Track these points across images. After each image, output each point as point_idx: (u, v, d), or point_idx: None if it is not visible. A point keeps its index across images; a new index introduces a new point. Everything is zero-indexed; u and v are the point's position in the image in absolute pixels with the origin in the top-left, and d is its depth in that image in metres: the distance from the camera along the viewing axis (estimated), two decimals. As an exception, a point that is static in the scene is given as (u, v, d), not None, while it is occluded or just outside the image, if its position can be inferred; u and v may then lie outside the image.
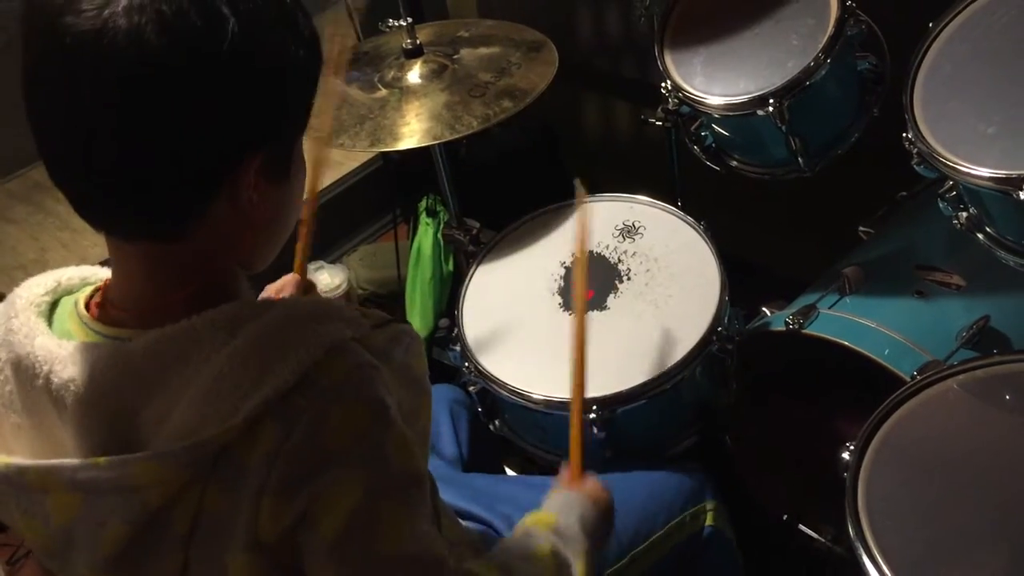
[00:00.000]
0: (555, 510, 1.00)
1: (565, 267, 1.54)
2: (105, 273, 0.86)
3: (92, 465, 0.71)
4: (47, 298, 0.82)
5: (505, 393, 1.38)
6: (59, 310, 0.82)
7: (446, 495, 1.08)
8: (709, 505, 1.31)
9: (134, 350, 0.73)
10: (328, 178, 2.70)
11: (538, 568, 0.89)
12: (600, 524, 1.03)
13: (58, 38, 0.65)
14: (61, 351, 0.75)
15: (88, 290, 0.83)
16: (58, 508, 0.73)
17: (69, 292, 0.84)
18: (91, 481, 0.72)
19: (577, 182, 1.30)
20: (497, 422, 1.50)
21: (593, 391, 1.33)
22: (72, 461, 0.72)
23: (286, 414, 0.71)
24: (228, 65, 0.68)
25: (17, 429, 0.79)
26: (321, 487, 0.71)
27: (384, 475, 0.75)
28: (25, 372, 0.76)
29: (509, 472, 1.64)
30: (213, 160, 0.71)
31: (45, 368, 0.74)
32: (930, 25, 1.30)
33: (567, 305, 1.48)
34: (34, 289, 0.82)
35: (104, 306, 0.79)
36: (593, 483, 1.08)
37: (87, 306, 0.80)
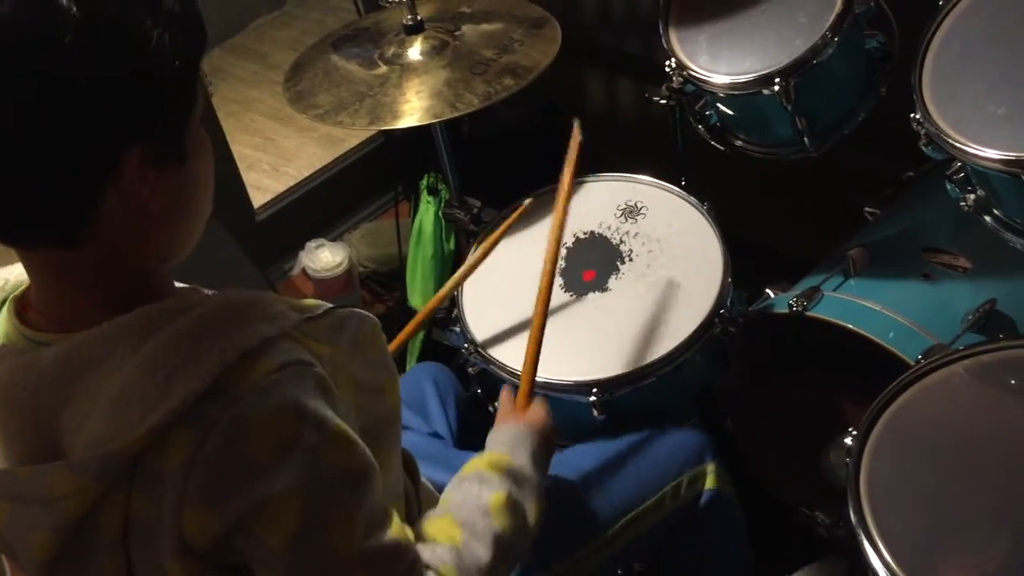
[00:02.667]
0: (507, 451, 1.00)
1: (567, 248, 1.52)
2: None
3: (13, 475, 0.72)
4: None
5: (505, 375, 1.37)
6: (4, 309, 0.81)
7: (438, 474, 1.07)
8: (709, 467, 1.30)
9: (45, 357, 0.72)
10: (328, 155, 2.69)
11: (492, 520, 0.89)
12: (548, 454, 1.06)
13: None
14: None
15: (23, 289, 0.82)
16: None
17: (18, 288, 0.82)
18: (13, 491, 0.72)
19: (576, 123, 1.31)
20: (496, 403, 1.49)
21: (593, 373, 1.33)
22: None
23: (199, 423, 0.69)
24: (75, 57, 0.64)
25: None
26: (253, 499, 0.70)
27: (322, 481, 0.73)
28: None
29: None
30: (87, 161, 0.68)
31: None
32: (940, 3, 1.28)
33: (569, 286, 1.47)
34: None
35: (27, 308, 0.78)
36: (536, 409, 1.10)
37: (17, 306, 0.79)
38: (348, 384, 0.80)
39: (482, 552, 0.86)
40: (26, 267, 0.77)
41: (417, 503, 1.00)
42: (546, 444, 1.05)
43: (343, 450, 0.75)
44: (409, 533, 0.82)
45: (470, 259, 1.44)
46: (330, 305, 0.82)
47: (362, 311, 0.85)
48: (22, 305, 0.79)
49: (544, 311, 1.21)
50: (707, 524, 1.31)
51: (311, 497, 0.72)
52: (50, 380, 0.71)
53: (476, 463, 0.98)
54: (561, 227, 1.27)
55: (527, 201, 1.50)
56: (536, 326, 1.20)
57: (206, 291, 0.83)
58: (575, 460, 1.26)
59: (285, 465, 0.71)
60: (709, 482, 1.29)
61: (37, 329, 0.76)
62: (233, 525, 0.71)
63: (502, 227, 1.46)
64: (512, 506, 0.92)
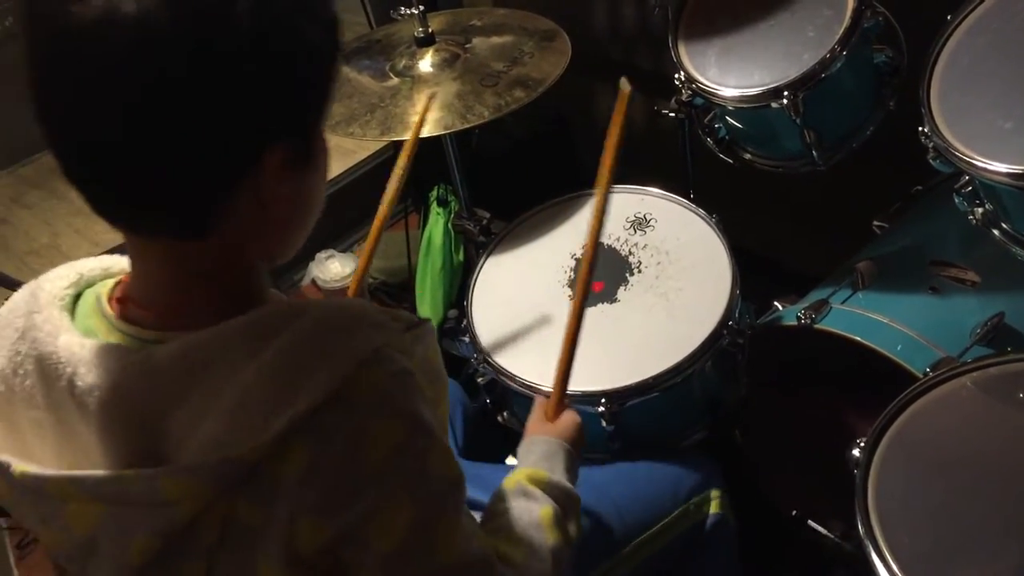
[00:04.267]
0: (546, 466, 1.01)
1: (576, 259, 1.53)
2: (126, 263, 0.84)
3: (120, 477, 0.70)
4: (70, 291, 0.80)
5: (514, 385, 1.37)
6: (81, 304, 0.80)
7: None
8: (714, 493, 1.31)
9: (160, 356, 0.70)
10: (339, 166, 2.71)
11: (546, 536, 0.91)
12: (578, 466, 1.06)
13: (61, 30, 0.61)
14: (84, 352, 0.72)
15: (110, 283, 0.81)
16: (79, 517, 0.72)
17: (91, 284, 0.82)
18: (119, 494, 0.70)
19: (623, 80, 1.16)
20: (505, 414, 1.50)
21: (602, 384, 1.33)
22: (97, 473, 0.71)
23: (319, 432, 0.69)
24: (241, 52, 0.63)
25: (38, 426, 0.77)
26: (368, 506, 0.70)
27: (430, 488, 0.74)
28: (48, 371, 0.74)
29: (512, 462, 1.64)
30: (232, 154, 0.67)
31: (68, 370, 0.72)
32: (948, 18, 1.28)
33: (577, 297, 1.47)
34: (57, 283, 0.80)
35: (125, 302, 0.77)
36: (567, 419, 1.10)
37: (109, 301, 0.78)
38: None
39: (543, 567, 0.88)
40: (136, 258, 0.76)
41: None
42: (577, 456, 1.06)
43: (446, 458, 0.76)
44: (492, 543, 0.83)
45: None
46: (415, 317, 0.82)
47: (429, 322, 0.85)
48: (118, 299, 0.77)
49: (580, 312, 1.15)
50: (708, 549, 1.32)
51: (421, 504, 0.72)
52: (163, 380, 0.70)
53: (518, 478, 0.98)
54: (603, 210, 1.19)
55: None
56: (570, 330, 1.14)
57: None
58: (591, 479, 1.26)
59: (399, 472, 0.71)
60: (713, 507, 1.30)
61: (139, 325, 0.75)
62: (345, 533, 0.70)
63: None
64: (560, 520, 0.94)
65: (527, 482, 0.97)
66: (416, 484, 0.72)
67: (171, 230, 0.71)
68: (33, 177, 3.52)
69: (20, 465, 0.74)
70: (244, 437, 0.67)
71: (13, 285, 1.41)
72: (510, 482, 0.98)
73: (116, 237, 0.76)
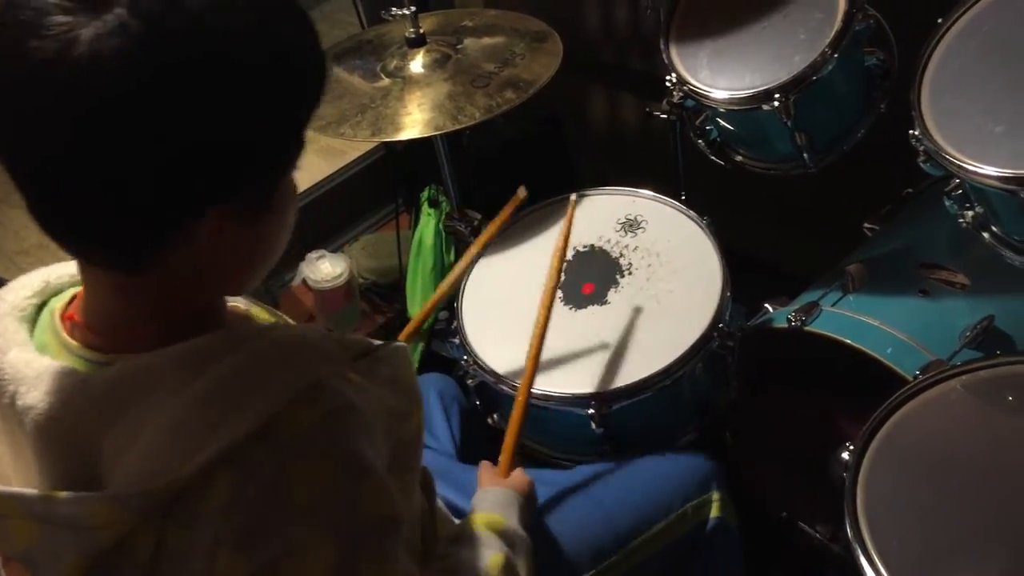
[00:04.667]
0: (500, 512, 1.03)
1: (566, 261, 1.53)
2: None
3: (50, 499, 0.69)
4: (33, 300, 0.79)
5: (504, 387, 1.37)
6: (43, 316, 0.79)
7: (441, 489, 1.07)
8: (716, 496, 1.29)
9: (97, 380, 0.70)
10: (329, 167, 2.70)
11: None
12: (531, 518, 1.10)
13: (20, 62, 0.61)
14: (28, 371, 0.72)
15: (66, 297, 0.80)
16: (17, 533, 0.71)
17: (58, 292, 0.81)
18: (48, 514, 0.69)
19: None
20: (495, 416, 1.49)
21: (591, 386, 1.33)
22: (28, 492, 0.70)
23: (243, 466, 0.68)
24: (191, 107, 0.62)
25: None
26: (285, 546, 0.68)
27: (357, 531, 0.72)
28: None
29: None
30: (169, 208, 0.65)
31: (11, 388, 0.72)
32: (939, 21, 1.29)
33: (568, 300, 1.47)
34: (20, 292, 0.79)
35: (77, 322, 0.76)
36: (518, 475, 1.15)
37: (62, 319, 0.77)
38: (382, 414, 0.78)
39: None
40: (86, 282, 0.75)
41: (432, 523, 0.99)
42: (530, 509, 1.09)
43: (380, 499, 0.74)
44: None
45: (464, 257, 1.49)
46: (373, 342, 0.81)
47: (397, 342, 0.84)
48: (70, 317, 0.77)
49: (530, 380, 1.26)
50: (708, 552, 1.30)
51: (344, 546, 0.71)
52: (98, 405, 0.70)
53: (473, 521, 0.99)
54: (551, 294, 1.33)
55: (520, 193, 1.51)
56: (523, 393, 1.24)
57: (253, 317, 0.82)
58: (580, 483, 1.26)
59: (323, 513, 0.70)
60: (714, 510, 1.29)
61: (88, 346, 0.74)
62: (262, 570, 0.69)
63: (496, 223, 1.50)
64: (510, 567, 0.95)
65: (481, 527, 0.97)
66: (340, 526, 0.70)
67: (110, 264, 0.70)
68: (23, 176, 3.50)
69: None
70: (168, 467, 0.67)
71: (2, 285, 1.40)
72: (464, 525, 0.99)
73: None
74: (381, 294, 2.45)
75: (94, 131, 0.61)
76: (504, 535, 0.97)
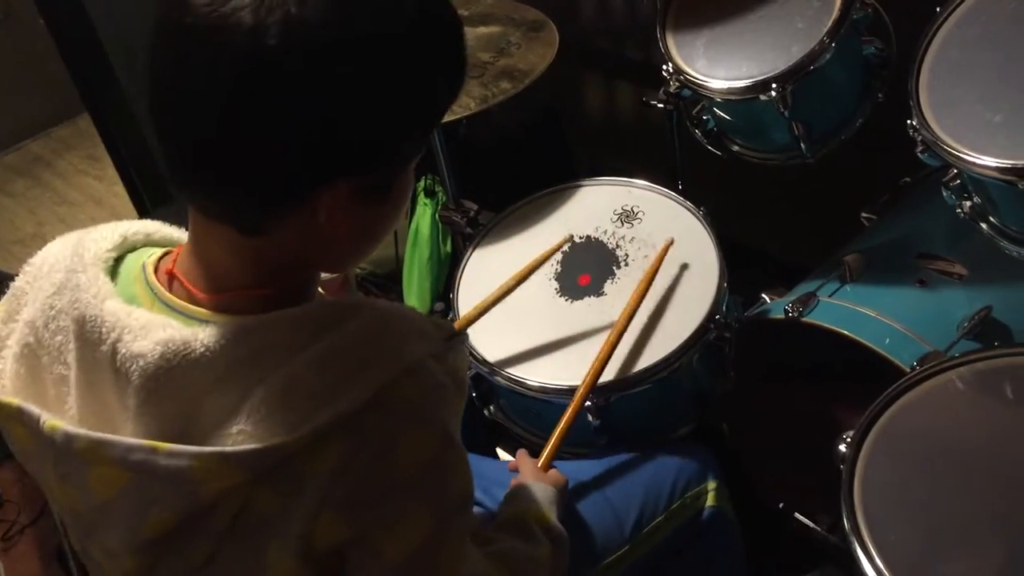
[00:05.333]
0: (547, 509, 1.04)
1: (563, 252, 1.52)
2: (169, 231, 0.86)
3: (150, 448, 0.69)
4: (112, 254, 0.80)
5: (501, 380, 1.37)
6: (123, 269, 0.80)
7: None
8: (710, 485, 1.30)
9: (207, 337, 0.70)
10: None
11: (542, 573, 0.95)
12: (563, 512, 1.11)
13: (178, 32, 0.65)
14: (131, 320, 0.72)
15: (156, 252, 0.81)
16: (101, 481, 0.72)
17: (133, 248, 0.82)
18: (145, 464, 0.70)
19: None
20: (492, 407, 1.49)
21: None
22: (127, 440, 0.70)
23: (357, 431, 0.69)
24: (340, 83, 0.65)
25: (61, 382, 0.77)
26: (389, 512, 0.71)
27: (449, 503, 0.75)
28: (89, 333, 0.74)
29: (503, 456, 1.63)
30: (302, 173, 0.68)
31: (112, 335, 0.72)
32: (937, 10, 1.28)
33: (564, 291, 1.47)
34: (101, 243, 0.80)
35: (175, 277, 0.77)
36: (556, 472, 1.16)
37: (156, 272, 0.78)
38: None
39: None
40: (195, 236, 0.76)
41: None
42: (564, 506, 1.11)
43: (466, 473, 0.77)
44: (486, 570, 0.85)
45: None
46: (455, 328, 0.83)
47: (465, 333, 0.86)
48: (167, 272, 0.78)
49: (592, 384, 1.27)
50: (707, 541, 1.31)
51: (439, 518, 0.74)
52: (210, 360, 0.70)
53: (522, 514, 1.02)
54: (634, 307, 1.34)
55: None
56: (578, 398, 1.25)
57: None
58: (583, 478, 1.27)
59: (426, 484, 0.73)
60: (709, 500, 1.29)
61: (188, 302, 0.75)
62: (359, 534, 0.71)
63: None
64: (556, 563, 0.97)
65: (531, 520, 1.00)
66: (438, 498, 0.74)
67: (232, 220, 0.72)
68: (18, 165, 3.48)
69: (51, 420, 0.74)
70: (284, 428, 0.68)
71: (2, 277, 1.40)
72: (514, 515, 1.01)
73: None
74: (378, 284, 2.46)
75: (247, 93, 0.65)
76: (549, 531, 1.00)
